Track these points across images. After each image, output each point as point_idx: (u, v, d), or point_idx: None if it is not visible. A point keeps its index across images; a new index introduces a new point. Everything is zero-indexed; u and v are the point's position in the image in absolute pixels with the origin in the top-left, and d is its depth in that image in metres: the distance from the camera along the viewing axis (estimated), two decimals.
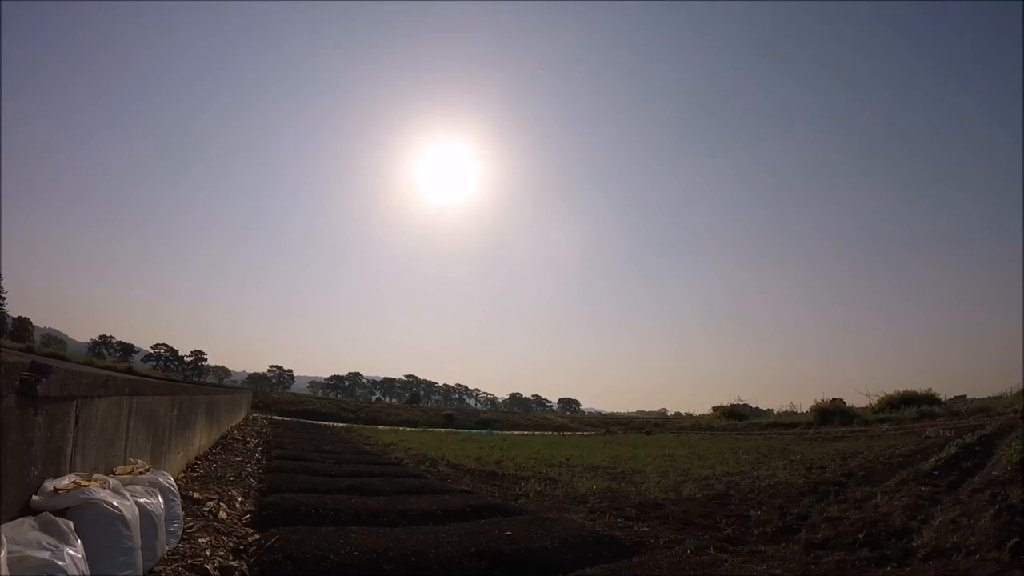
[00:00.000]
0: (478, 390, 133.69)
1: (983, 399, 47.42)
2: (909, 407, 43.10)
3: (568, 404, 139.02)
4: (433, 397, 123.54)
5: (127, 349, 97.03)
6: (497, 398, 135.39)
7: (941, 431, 27.50)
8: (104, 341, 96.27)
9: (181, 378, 79.83)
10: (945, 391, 50.12)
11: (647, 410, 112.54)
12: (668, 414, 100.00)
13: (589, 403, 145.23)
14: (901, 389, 48.25)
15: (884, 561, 6.64)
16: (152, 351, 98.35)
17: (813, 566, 6.46)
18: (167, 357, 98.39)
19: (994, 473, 11.97)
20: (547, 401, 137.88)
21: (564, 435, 52.11)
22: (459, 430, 52.68)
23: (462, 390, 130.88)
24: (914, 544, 7.19)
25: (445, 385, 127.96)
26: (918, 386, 48.22)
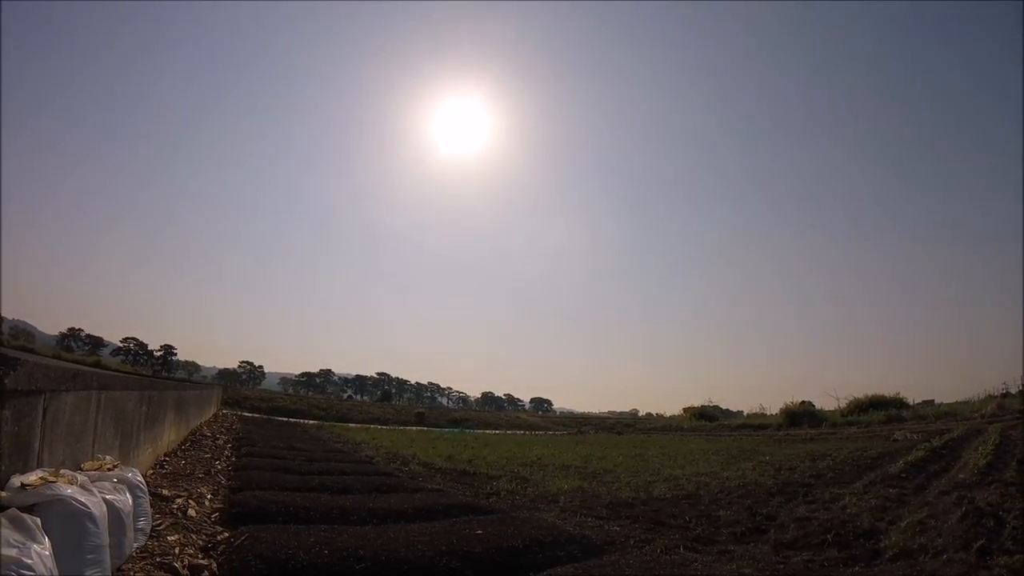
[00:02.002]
0: (450, 388, 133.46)
1: (951, 404, 48.45)
2: (877, 410, 43.95)
3: (540, 404, 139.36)
4: (405, 395, 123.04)
5: (96, 343, 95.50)
6: (469, 397, 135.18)
7: (909, 434, 28.06)
8: (73, 334, 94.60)
9: (150, 373, 78.81)
10: (913, 395, 51.09)
11: (619, 410, 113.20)
12: (639, 415, 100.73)
13: (561, 403, 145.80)
14: (870, 393, 49.05)
15: (852, 561, 6.74)
16: (121, 345, 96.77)
17: (782, 566, 6.54)
18: (136, 351, 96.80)
19: (961, 476, 12.22)
20: (519, 400, 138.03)
21: (536, 434, 52.32)
22: (431, 429, 52.66)
23: (434, 388, 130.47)
24: (882, 545, 7.31)
25: (417, 383, 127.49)
26: (887, 390, 49.07)
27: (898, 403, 46.65)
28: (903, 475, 13.27)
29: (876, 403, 46.63)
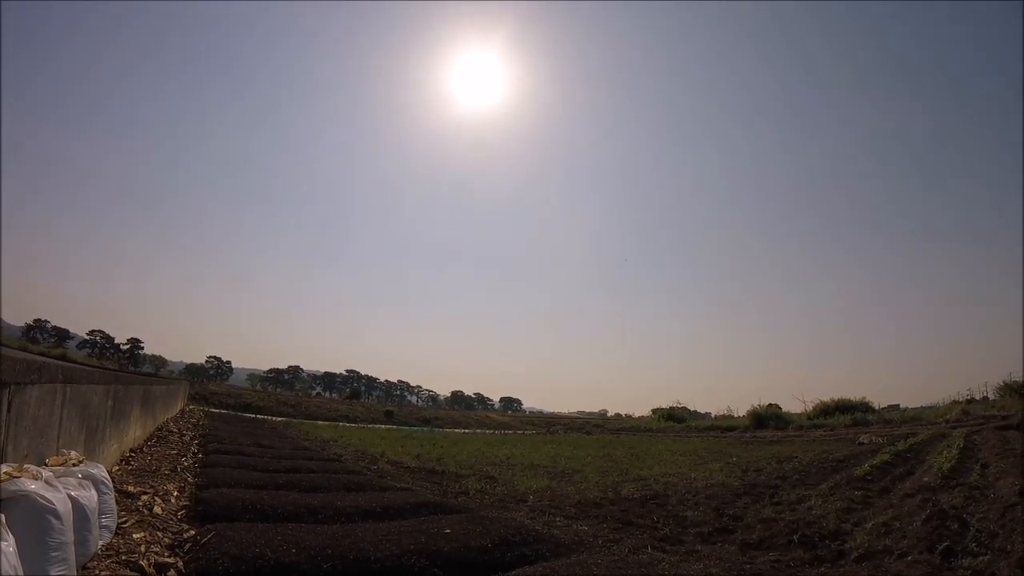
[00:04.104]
0: (420, 387, 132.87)
1: (916, 408, 49.63)
2: (843, 414, 44.74)
3: (510, 403, 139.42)
4: (374, 393, 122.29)
5: (62, 335, 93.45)
6: (439, 396, 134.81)
7: (875, 438, 28.56)
8: (38, 325, 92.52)
9: (117, 367, 77.42)
10: (879, 400, 52.06)
11: (588, 411, 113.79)
12: (609, 415, 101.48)
13: (531, 403, 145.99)
14: (836, 396, 49.86)
15: (817, 562, 6.84)
16: (88, 337, 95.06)
17: (748, 566, 6.62)
18: (103, 344, 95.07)
19: (925, 479, 12.45)
20: (489, 400, 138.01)
21: (505, 434, 52.32)
22: (400, 427, 52.55)
23: (404, 387, 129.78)
24: (847, 546, 7.42)
25: (387, 381, 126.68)
26: (853, 394, 49.88)
27: (864, 407, 47.49)
28: (868, 477, 13.49)
29: (842, 407, 47.44)
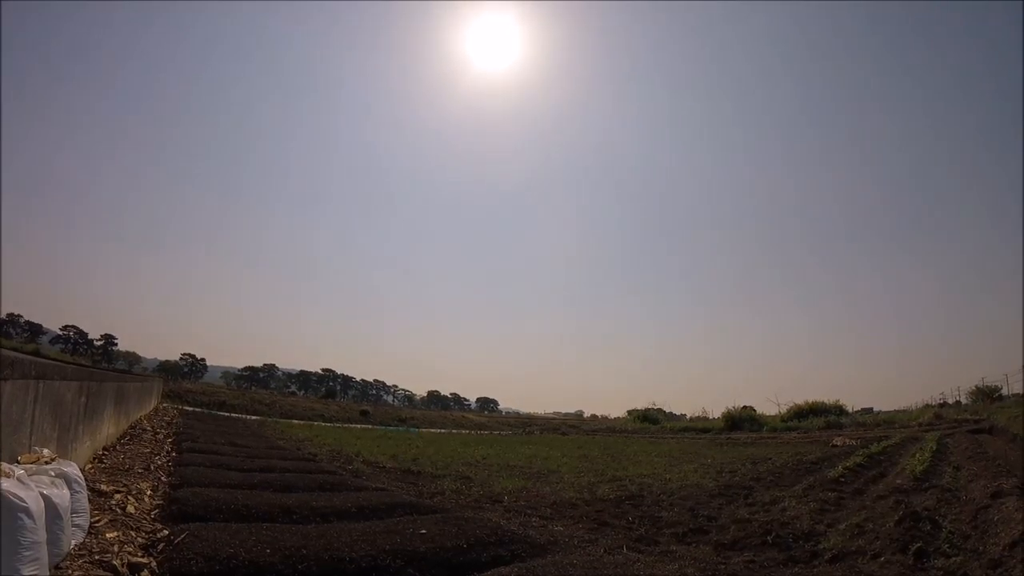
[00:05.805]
0: (396, 387, 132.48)
1: (889, 412, 50.37)
2: (817, 417, 45.38)
3: (486, 403, 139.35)
4: (350, 392, 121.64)
5: (35, 330, 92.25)
6: (415, 395, 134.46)
7: (848, 440, 28.94)
8: (11, 320, 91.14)
9: (90, 363, 76.42)
10: (852, 403, 52.76)
11: (564, 411, 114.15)
12: (584, 416, 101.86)
13: (507, 403, 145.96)
14: (810, 399, 50.48)
15: (791, 562, 6.95)
16: (61, 333, 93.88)
17: (723, 566, 6.70)
18: (76, 340, 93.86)
19: (898, 481, 12.64)
20: (465, 400, 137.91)
21: (482, 434, 52.39)
22: (376, 427, 52.39)
23: (380, 386, 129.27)
24: (820, 547, 7.54)
25: (363, 381, 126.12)
26: (827, 397, 50.56)
27: (837, 410, 48.19)
28: (842, 479, 13.67)
29: (816, 409, 48.08)
